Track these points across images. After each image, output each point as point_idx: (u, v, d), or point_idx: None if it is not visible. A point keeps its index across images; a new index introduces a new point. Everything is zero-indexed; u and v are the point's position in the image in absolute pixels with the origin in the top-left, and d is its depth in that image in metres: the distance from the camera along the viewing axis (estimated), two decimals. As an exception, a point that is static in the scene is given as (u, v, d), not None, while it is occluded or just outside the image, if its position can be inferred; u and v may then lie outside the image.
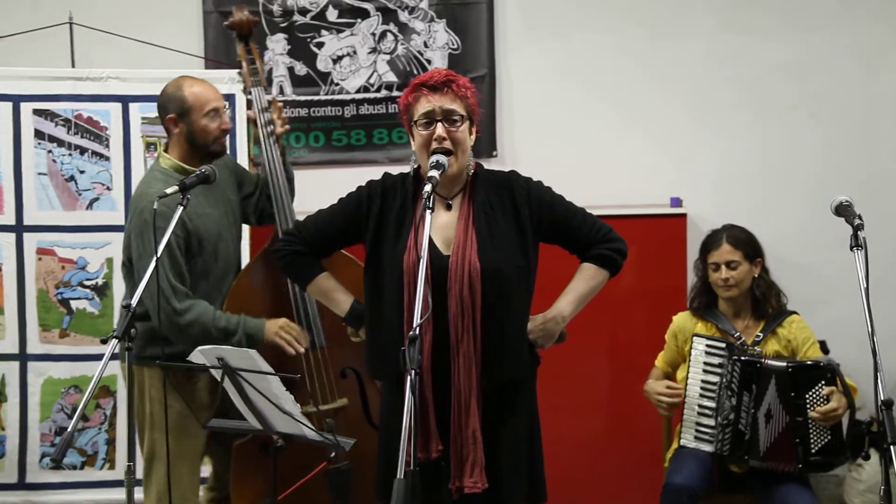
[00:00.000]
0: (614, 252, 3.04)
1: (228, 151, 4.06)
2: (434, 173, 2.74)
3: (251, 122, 3.65)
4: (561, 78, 4.85)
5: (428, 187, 2.66)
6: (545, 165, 4.47)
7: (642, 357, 4.17)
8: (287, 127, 3.67)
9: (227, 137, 3.56)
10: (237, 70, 3.75)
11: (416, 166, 2.96)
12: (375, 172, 3.06)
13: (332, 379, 3.55)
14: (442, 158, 2.79)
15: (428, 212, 2.60)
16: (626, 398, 4.58)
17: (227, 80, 4.12)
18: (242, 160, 4.13)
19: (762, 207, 4.70)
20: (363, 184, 3.03)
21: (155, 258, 2.89)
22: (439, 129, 2.82)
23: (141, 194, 3.35)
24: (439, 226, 2.89)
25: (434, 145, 2.83)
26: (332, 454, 3.31)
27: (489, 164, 3.14)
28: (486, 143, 4.80)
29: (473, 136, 2.92)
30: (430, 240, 2.74)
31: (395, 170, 3.05)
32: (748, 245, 3.66)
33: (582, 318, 4.67)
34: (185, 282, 3.30)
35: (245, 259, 3.84)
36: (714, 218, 4.35)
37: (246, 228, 3.95)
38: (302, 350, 3.42)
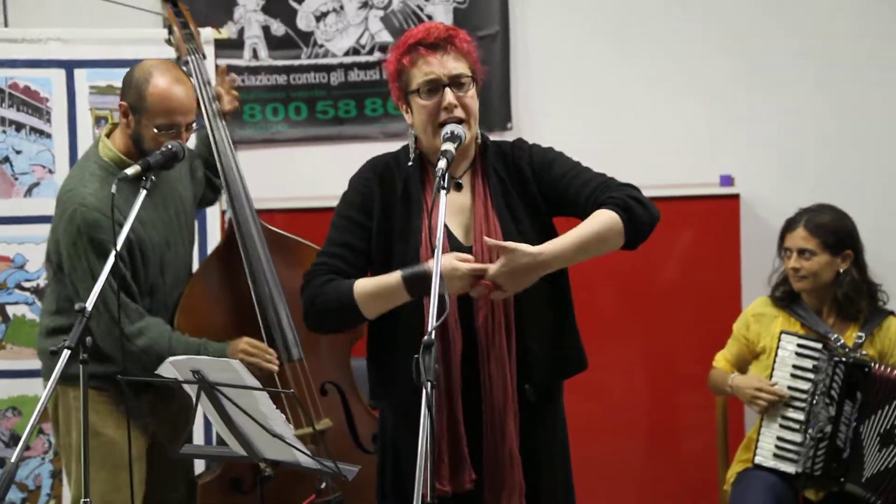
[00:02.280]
0: (632, 200, 2.79)
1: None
2: (449, 146, 2.70)
3: None
4: (587, 35, 4.81)
5: (442, 163, 2.63)
6: (569, 139, 4.38)
7: (688, 364, 4.19)
8: (236, 105, 3.58)
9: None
10: (166, 37, 3.68)
11: (413, 142, 2.90)
12: (368, 150, 3.05)
13: (315, 396, 3.54)
14: (457, 129, 2.75)
15: (443, 192, 2.58)
16: (670, 414, 4.61)
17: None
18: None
19: (831, 184, 4.61)
20: (348, 186, 2.93)
21: (108, 272, 2.82)
22: (449, 95, 2.78)
23: (71, 193, 3.28)
24: (452, 210, 2.83)
25: (443, 116, 2.78)
26: (323, 485, 3.26)
27: (503, 138, 3.19)
28: (500, 114, 4.77)
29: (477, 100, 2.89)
30: (446, 227, 2.71)
31: (391, 146, 3.00)
32: (831, 234, 3.64)
33: (616, 318, 4.66)
34: (133, 296, 3.29)
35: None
36: (773, 198, 4.42)
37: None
38: (276, 366, 3.40)
